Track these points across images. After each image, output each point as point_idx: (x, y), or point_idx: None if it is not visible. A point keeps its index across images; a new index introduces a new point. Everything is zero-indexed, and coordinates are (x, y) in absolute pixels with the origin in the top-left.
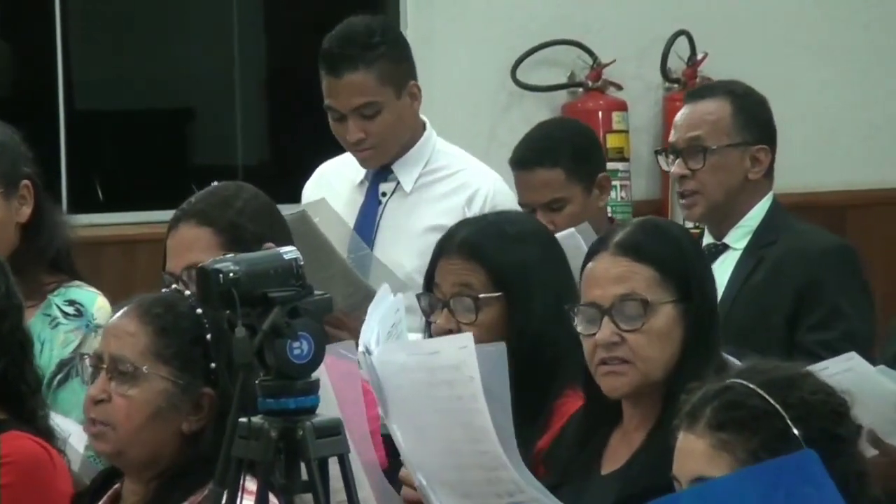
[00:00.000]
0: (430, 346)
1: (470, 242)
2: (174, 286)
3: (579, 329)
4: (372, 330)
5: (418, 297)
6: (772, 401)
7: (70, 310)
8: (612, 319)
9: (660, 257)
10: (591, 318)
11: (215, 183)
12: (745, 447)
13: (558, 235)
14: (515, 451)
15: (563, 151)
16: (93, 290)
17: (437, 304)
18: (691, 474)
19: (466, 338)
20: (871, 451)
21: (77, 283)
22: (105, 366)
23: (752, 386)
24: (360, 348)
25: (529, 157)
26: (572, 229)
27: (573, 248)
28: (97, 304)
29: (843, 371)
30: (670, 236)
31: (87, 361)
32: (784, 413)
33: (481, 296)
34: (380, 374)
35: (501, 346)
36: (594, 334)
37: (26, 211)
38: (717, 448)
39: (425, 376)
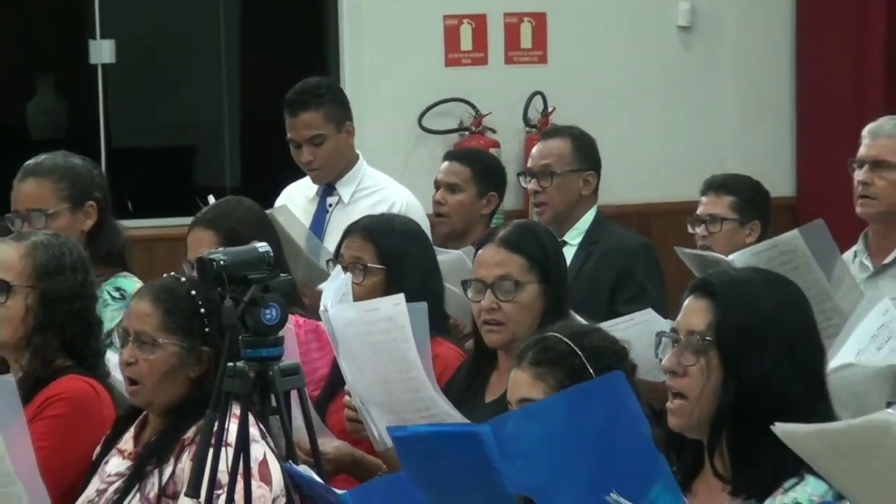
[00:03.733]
0: (371, 305)
1: (367, 227)
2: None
3: (470, 296)
4: (328, 296)
5: (328, 262)
6: (572, 345)
7: (116, 294)
8: (493, 292)
9: (529, 250)
10: (478, 289)
11: (227, 197)
12: (554, 378)
13: (449, 258)
14: (433, 379)
15: (476, 162)
16: (135, 279)
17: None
18: (518, 397)
19: (399, 297)
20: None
21: (125, 273)
22: (131, 338)
23: (560, 336)
24: (321, 308)
25: (456, 154)
26: (461, 254)
27: (459, 265)
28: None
29: (643, 321)
30: (537, 235)
31: (117, 334)
32: (581, 354)
33: (368, 265)
34: (333, 326)
35: (423, 306)
36: (480, 301)
37: (89, 223)
38: (535, 378)
39: (366, 327)
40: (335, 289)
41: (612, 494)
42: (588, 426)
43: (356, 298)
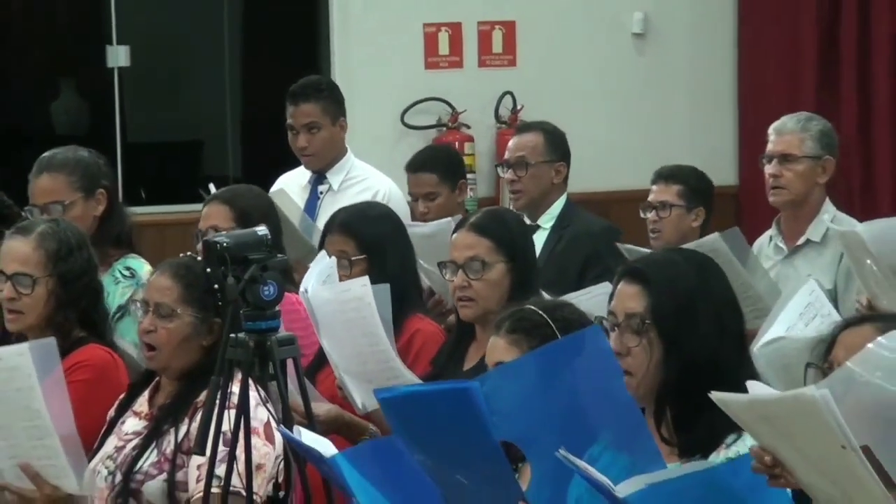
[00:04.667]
0: (344, 287)
1: (344, 223)
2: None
3: (446, 277)
4: (310, 279)
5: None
6: (546, 317)
7: (126, 273)
8: (464, 272)
9: (496, 234)
10: (452, 269)
11: (242, 184)
12: (528, 344)
13: (435, 226)
14: (395, 351)
15: (437, 164)
16: (143, 260)
17: None
18: (494, 360)
19: (365, 279)
20: None
21: (133, 255)
22: (151, 309)
23: (535, 308)
24: (301, 289)
25: (417, 165)
26: (446, 220)
27: (443, 235)
28: (145, 269)
29: (601, 294)
30: (505, 220)
31: (139, 305)
32: (553, 325)
33: (352, 258)
34: (312, 305)
35: (386, 287)
36: (454, 281)
37: (100, 209)
38: (510, 344)
39: (340, 305)
40: (319, 272)
41: (560, 450)
42: (565, 376)
43: None
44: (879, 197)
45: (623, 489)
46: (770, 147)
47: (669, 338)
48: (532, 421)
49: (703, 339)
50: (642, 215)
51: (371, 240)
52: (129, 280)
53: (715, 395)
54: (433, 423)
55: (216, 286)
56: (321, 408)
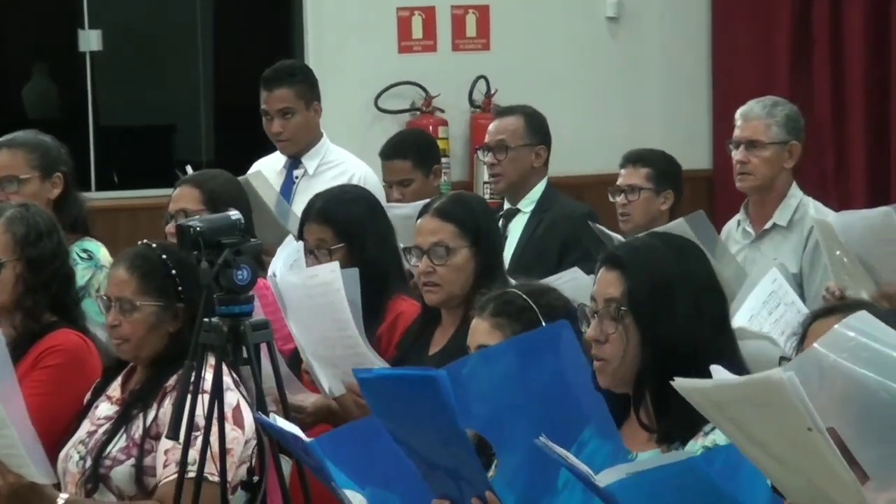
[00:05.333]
0: (312, 272)
1: (321, 212)
2: (170, 233)
3: (411, 262)
4: (277, 263)
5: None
6: (530, 301)
7: (84, 255)
8: (429, 257)
9: (460, 218)
10: (418, 255)
11: (214, 169)
12: (511, 329)
13: (413, 208)
14: (363, 337)
15: (410, 150)
16: (98, 243)
17: (307, 254)
18: (476, 343)
19: (335, 265)
20: None
21: (89, 238)
22: (113, 303)
23: (519, 292)
24: (269, 274)
25: (390, 152)
26: (425, 202)
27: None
28: (101, 252)
29: (572, 279)
30: (469, 205)
31: (102, 301)
32: (537, 310)
33: (332, 247)
34: (281, 290)
35: (355, 271)
36: (419, 265)
37: (56, 192)
38: (493, 327)
39: (308, 290)
40: (286, 256)
41: (541, 437)
42: (537, 368)
43: None
44: (853, 181)
45: (603, 478)
46: (737, 133)
47: (645, 323)
48: (503, 409)
49: (680, 324)
50: (611, 199)
51: (348, 226)
52: (88, 262)
53: (678, 382)
54: (407, 406)
55: (174, 271)
56: (308, 399)
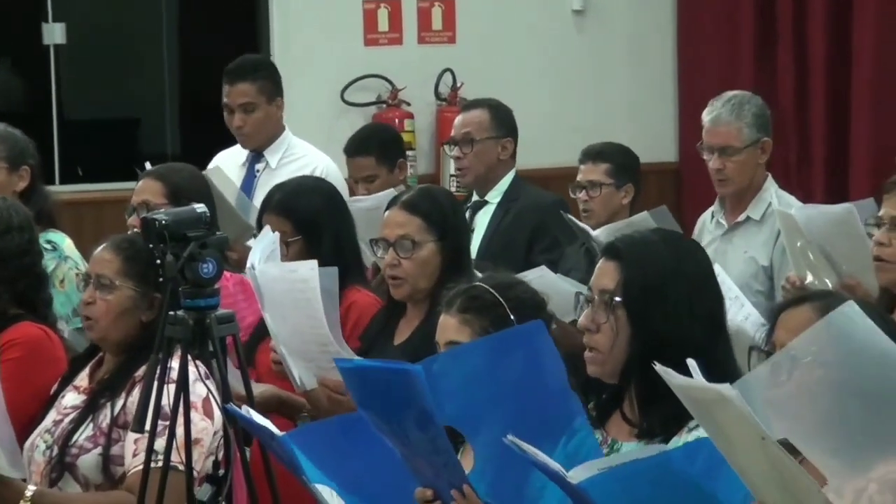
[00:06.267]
0: (291, 266)
1: (280, 204)
2: (132, 225)
3: (378, 254)
4: (255, 254)
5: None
6: (497, 296)
7: (48, 246)
8: (395, 250)
9: (427, 212)
10: (384, 247)
11: (178, 163)
12: (480, 324)
13: (375, 200)
14: (339, 335)
15: (373, 145)
16: (63, 234)
17: None
18: (445, 339)
19: (313, 263)
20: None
21: (53, 230)
22: (92, 281)
23: (486, 286)
24: (248, 265)
25: (353, 148)
26: (388, 192)
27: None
28: (66, 243)
29: (538, 277)
30: (436, 198)
31: (80, 278)
32: (504, 304)
33: (289, 240)
34: (259, 281)
35: (334, 270)
36: (385, 258)
37: (22, 185)
38: (462, 323)
39: (287, 285)
40: (263, 248)
41: (509, 437)
42: (509, 367)
43: None
44: (815, 172)
45: (576, 475)
46: (707, 138)
47: (637, 316)
48: (476, 407)
49: (671, 319)
50: (572, 195)
51: (306, 219)
52: (52, 253)
53: (660, 368)
54: (385, 397)
55: (158, 261)
56: (257, 388)
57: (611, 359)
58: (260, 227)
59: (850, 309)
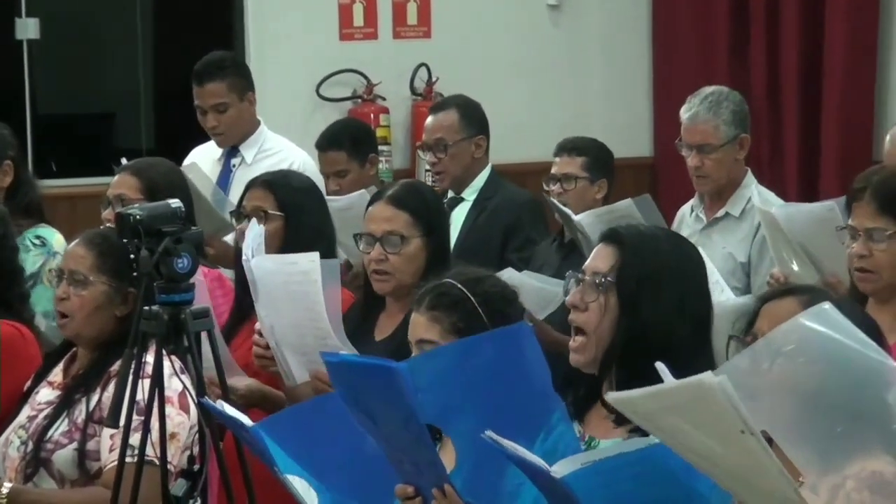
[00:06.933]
0: (291, 259)
1: (266, 180)
2: (106, 219)
3: (361, 248)
4: (248, 245)
5: (231, 213)
6: (466, 291)
7: (37, 242)
8: (381, 245)
9: (414, 207)
10: (369, 242)
11: (155, 157)
12: (448, 320)
13: (348, 200)
14: (340, 328)
15: (345, 140)
16: (54, 230)
17: (242, 217)
18: (416, 337)
19: (314, 255)
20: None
21: (43, 224)
22: (65, 276)
23: (454, 282)
24: (243, 258)
25: (325, 143)
26: (360, 192)
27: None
28: (55, 238)
29: (506, 279)
30: (422, 193)
31: (54, 274)
32: (473, 299)
33: (269, 212)
34: (255, 274)
35: (336, 262)
36: (370, 253)
37: (7, 180)
38: (431, 320)
39: (285, 277)
40: (251, 240)
41: (487, 432)
42: (492, 368)
43: None
44: (787, 167)
45: (559, 469)
46: (685, 136)
47: (627, 301)
48: (456, 405)
49: (661, 313)
50: (545, 188)
51: (290, 201)
52: (40, 248)
53: (611, 396)
54: (370, 393)
55: (132, 256)
56: (241, 381)
57: (595, 342)
58: (241, 205)
59: (830, 307)
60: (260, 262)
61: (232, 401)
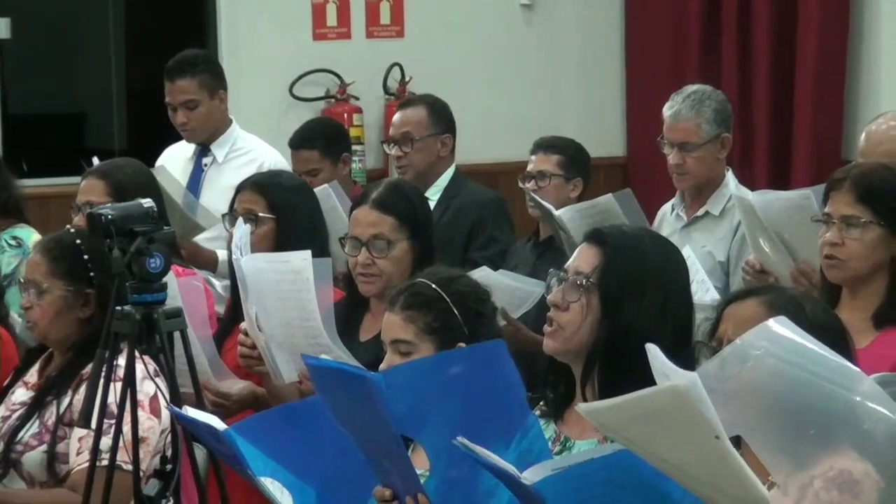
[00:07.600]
0: (282, 257)
1: (257, 182)
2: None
3: (346, 252)
4: (237, 244)
5: (223, 216)
6: (440, 291)
7: (13, 242)
8: (368, 250)
9: (400, 210)
10: (354, 245)
11: (123, 158)
12: (423, 320)
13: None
14: (332, 328)
15: (317, 139)
16: (31, 230)
17: (234, 220)
18: (390, 337)
19: (307, 254)
20: (503, 323)
21: (21, 224)
22: (26, 286)
23: (428, 282)
24: (234, 257)
25: (298, 142)
26: (326, 186)
27: (327, 202)
28: (32, 238)
29: (480, 277)
30: (406, 195)
31: (20, 286)
32: (447, 298)
33: (260, 215)
34: (245, 273)
35: (328, 261)
36: (356, 256)
37: None
38: (405, 320)
39: (276, 276)
40: (239, 236)
41: (459, 438)
42: (468, 384)
43: (252, 247)
44: (757, 165)
45: (530, 476)
46: (667, 134)
47: (610, 302)
48: (431, 420)
49: (643, 315)
50: (521, 185)
51: (281, 202)
52: (16, 249)
53: (582, 407)
54: (348, 399)
55: (87, 256)
56: (235, 385)
57: (574, 339)
58: (232, 208)
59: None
60: (250, 262)
61: (219, 402)
